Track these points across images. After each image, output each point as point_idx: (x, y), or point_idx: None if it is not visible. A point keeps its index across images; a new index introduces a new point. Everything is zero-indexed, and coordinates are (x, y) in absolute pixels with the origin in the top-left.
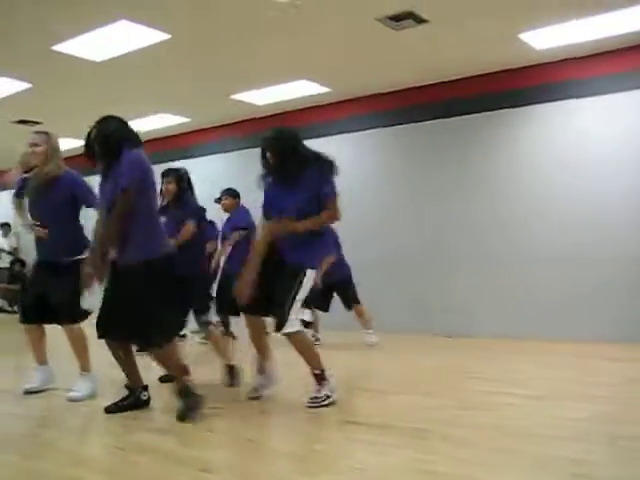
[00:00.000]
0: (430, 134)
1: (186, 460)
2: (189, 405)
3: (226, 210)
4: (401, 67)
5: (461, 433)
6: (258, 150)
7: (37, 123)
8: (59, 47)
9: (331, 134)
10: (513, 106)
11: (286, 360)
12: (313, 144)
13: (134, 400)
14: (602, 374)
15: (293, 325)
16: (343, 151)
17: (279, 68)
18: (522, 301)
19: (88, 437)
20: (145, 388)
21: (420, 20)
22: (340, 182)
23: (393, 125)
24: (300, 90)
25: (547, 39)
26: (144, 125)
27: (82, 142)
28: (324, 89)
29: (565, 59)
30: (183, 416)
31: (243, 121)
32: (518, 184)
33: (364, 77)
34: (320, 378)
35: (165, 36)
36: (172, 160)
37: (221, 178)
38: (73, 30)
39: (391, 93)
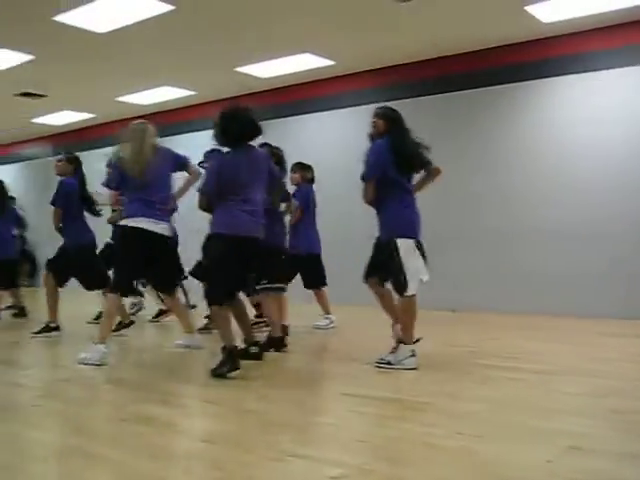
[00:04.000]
0: (432, 109)
1: (187, 431)
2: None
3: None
4: (406, 40)
5: (461, 406)
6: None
7: (41, 96)
8: (61, 17)
9: (335, 108)
10: (520, 80)
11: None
12: (316, 118)
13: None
14: (603, 349)
15: None
16: (347, 125)
17: (284, 41)
18: (523, 276)
19: (91, 408)
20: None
21: None
22: (344, 157)
23: (397, 99)
24: (304, 63)
25: (553, 12)
26: (147, 98)
27: (84, 115)
28: (328, 62)
29: (575, 32)
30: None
31: (245, 95)
32: (521, 160)
33: (368, 50)
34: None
35: (169, 7)
36: (175, 134)
37: None
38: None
39: (396, 67)
